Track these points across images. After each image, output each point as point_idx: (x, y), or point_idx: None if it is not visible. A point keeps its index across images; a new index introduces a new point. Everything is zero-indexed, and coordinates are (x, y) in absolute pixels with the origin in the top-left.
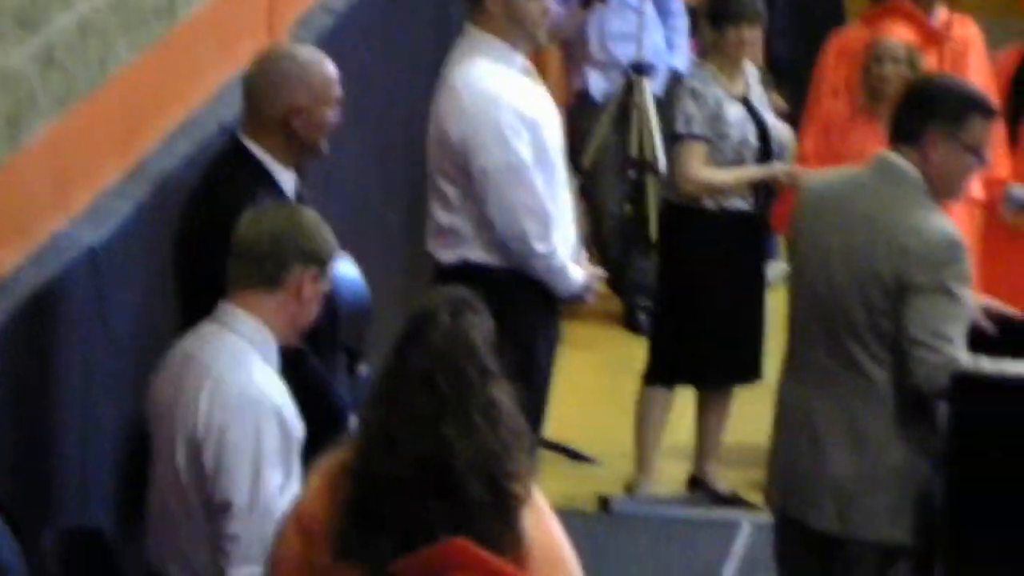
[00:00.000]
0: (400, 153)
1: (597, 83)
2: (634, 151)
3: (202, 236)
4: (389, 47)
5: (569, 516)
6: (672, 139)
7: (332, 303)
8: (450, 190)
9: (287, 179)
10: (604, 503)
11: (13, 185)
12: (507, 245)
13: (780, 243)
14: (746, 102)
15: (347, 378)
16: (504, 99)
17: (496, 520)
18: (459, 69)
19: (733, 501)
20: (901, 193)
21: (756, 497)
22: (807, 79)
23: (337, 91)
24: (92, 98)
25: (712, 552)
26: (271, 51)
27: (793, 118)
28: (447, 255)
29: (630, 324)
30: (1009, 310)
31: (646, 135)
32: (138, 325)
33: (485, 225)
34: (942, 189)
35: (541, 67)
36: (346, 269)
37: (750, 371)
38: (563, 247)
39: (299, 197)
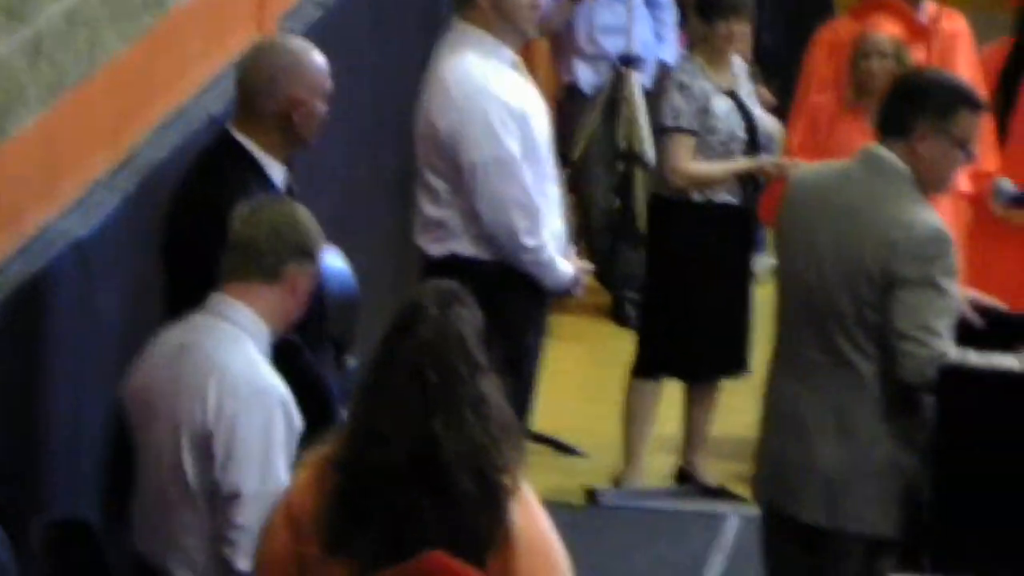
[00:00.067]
0: (389, 146)
1: (586, 76)
2: (622, 144)
3: (193, 229)
4: (378, 40)
5: (557, 508)
6: (660, 132)
7: (319, 295)
8: (439, 183)
9: (277, 172)
10: (592, 495)
11: (1, 177)
12: (495, 239)
13: (767, 237)
14: (734, 95)
15: (335, 370)
16: (493, 93)
17: (484, 513)
18: (448, 63)
19: (720, 493)
20: (888, 186)
21: (743, 489)
22: (795, 73)
23: (328, 83)
24: (81, 89)
25: (699, 544)
26: (264, 44)
27: (781, 112)
28: (435, 248)
29: (618, 317)
30: (996, 303)
31: (634, 128)
32: (126, 317)
33: (473, 219)
34: (930, 183)
35: (529, 60)
36: (333, 261)
37: (737, 364)
38: (552, 241)
39: (289, 190)
